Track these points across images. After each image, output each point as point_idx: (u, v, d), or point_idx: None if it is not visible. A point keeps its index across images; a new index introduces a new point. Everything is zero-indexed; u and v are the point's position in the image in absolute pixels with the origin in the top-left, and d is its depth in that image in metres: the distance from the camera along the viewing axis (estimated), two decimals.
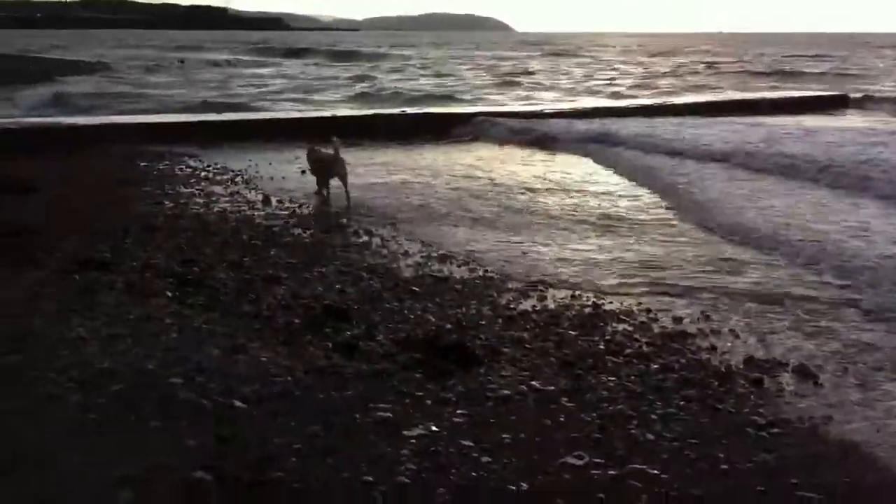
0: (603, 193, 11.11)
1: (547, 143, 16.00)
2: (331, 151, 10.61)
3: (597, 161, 14.08)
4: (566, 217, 9.62)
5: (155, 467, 3.65)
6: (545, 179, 12.24)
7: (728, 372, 5.11)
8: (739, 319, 6.08)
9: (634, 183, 11.94)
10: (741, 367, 5.21)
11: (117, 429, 4.01)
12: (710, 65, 50.63)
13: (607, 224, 9.22)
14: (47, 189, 9.93)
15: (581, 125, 16.77)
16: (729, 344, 5.62)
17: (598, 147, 14.93)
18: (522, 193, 11.11)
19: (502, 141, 16.55)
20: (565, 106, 21.35)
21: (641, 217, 9.58)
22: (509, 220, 9.45)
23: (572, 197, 10.84)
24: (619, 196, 10.93)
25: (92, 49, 70.98)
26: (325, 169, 10.65)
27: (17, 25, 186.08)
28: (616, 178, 12.46)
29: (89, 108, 21.69)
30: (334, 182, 10.67)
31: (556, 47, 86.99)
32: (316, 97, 29.02)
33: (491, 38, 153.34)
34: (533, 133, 16.53)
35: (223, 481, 3.59)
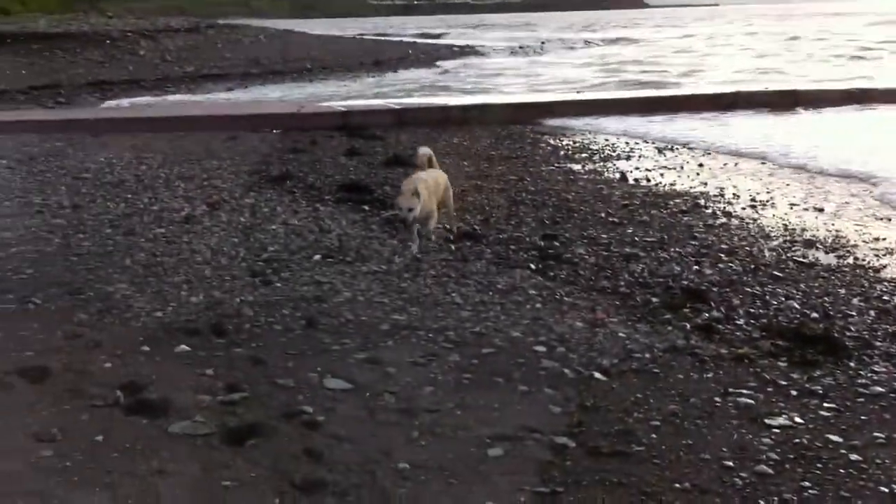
0: None
1: None
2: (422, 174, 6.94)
3: None
4: None
5: (523, 428, 3.93)
6: None
7: None
8: None
9: None
10: None
11: (489, 389, 4.36)
12: None
13: None
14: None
15: None
16: None
17: None
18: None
19: None
20: None
21: None
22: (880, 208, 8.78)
23: None
24: None
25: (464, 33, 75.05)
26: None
27: (401, 12, 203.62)
28: None
29: (461, 88, 23.05)
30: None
31: None
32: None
33: None
34: None
35: (585, 449, 3.78)
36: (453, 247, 6.99)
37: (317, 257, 6.61)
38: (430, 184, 6.74)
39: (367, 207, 8.32)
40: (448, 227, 7.29)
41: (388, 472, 3.54)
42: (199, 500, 3.33)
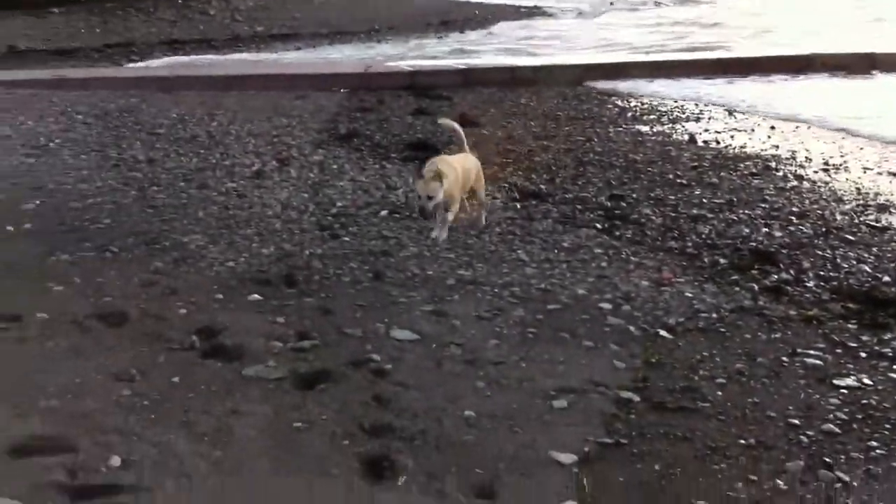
0: None
1: None
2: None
3: None
4: None
5: (588, 382, 3.96)
6: None
7: None
8: None
9: None
10: None
11: (554, 344, 4.40)
12: None
13: None
14: (491, 124, 10.80)
15: None
16: None
17: None
18: None
19: None
20: None
21: None
22: None
23: None
24: None
25: None
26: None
27: None
28: None
29: (523, 50, 22.85)
30: None
31: None
32: None
33: None
34: None
35: (650, 404, 3.81)
36: (519, 205, 7.01)
37: (383, 213, 6.69)
38: (456, 168, 5.97)
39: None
40: (475, 214, 6.43)
41: (454, 420, 3.61)
42: (272, 439, 3.44)
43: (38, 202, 6.83)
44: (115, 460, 3.25)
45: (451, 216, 6.01)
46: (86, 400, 3.72)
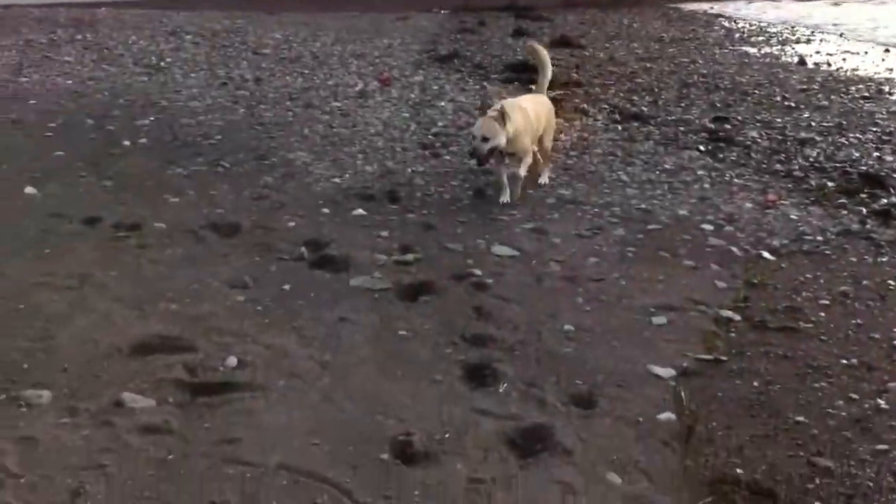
0: None
1: None
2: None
3: None
4: None
5: (688, 300, 3.97)
6: None
7: None
8: None
9: None
10: None
11: (654, 263, 4.41)
12: None
13: None
14: (592, 46, 10.63)
15: None
16: None
17: None
18: None
19: None
20: None
21: None
22: None
23: None
24: None
25: None
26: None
27: None
28: None
29: None
30: None
31: None
32: None
33: None
34: None
35: (751, 323, 3.81)
36: (620, 127, 6.95)
37: None
38: (527, 112, 5.25)
39: (532, 88, 8.29)
40: (539, 175, 5.61)
41: (553, 333, 3.68)
42: (378, 345, 3.58)
43: (151, 118, 7.09)
44: (232, 360, 3.41)
45: (523, 171, 5.28)
46: (203, 304, 3.90)
